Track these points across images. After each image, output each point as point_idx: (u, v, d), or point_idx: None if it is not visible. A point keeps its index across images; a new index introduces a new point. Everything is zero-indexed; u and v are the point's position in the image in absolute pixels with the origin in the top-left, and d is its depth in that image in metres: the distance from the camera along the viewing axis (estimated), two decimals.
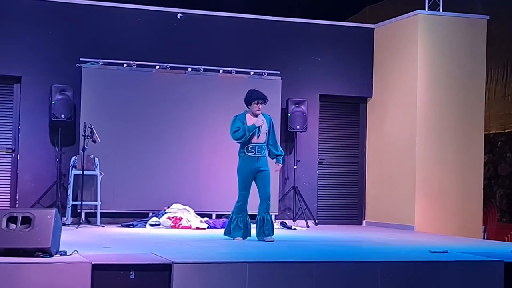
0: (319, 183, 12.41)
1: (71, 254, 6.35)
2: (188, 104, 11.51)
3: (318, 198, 12.36)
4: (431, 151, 11.49)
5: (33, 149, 11.09)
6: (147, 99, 11.36)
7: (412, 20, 11.69)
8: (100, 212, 10.74)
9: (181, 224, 10.51)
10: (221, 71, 11.71)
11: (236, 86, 11.65)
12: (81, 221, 10.56)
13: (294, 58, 12.24)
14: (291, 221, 11.76)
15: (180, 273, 6.14)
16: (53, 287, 5.84)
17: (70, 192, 10.73)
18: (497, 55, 13.45)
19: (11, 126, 11.19)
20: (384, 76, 12.33)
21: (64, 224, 9.29)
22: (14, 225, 6.17)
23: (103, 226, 10.52)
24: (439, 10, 11.77)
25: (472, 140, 11.66)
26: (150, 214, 10.94)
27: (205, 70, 11.61)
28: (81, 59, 11.12)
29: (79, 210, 10.69)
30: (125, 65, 11.28)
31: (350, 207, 12.63)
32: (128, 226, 10.60)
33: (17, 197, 11.02)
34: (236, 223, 8.74)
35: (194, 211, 10.95)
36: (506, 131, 13.83)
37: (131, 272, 6.03)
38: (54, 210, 6.32)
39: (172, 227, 10.47)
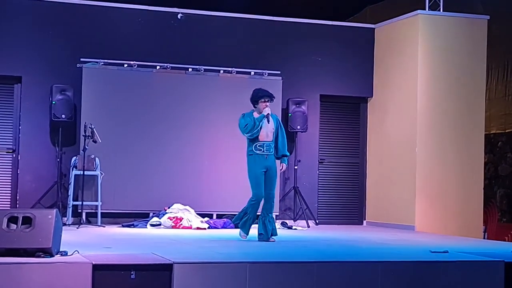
0: (319, 183, 12.41)
1: (71, 254, 6.35)
2: (189, 104, 11.52)
3: (319, 198, 12.36)
4: (431, 151, 11.49)
5: (33, 149, 11.10)
6: (148, 99, 11.36)
7: (412, 20, 11.69)
8: (101, 212, 10.74)
9: (181, 224, 10.52)
10: (221, 71, 11.71)
11: (237, 86, 11.66)
12: (81, 221, 10.57)
13: (295, 58, 12.24)
14: (292, 221, 11.77)
15: (181, 273, 6.15)
16: (54, 287, 5.85)
17: (70, 192, 10.73)
18: (498, 55, 13.45)
19: (11, 126, 11.20)
20: (384, 76, 12.33)
21: (64, 224, 9.30)
22: (15, 225, 6.17)
23: (104, 226, 10.52)
24: (439, 10, 11.77)
25: (472, 140, 11.66)
26: (151, 214, 10.94)
27: (205, 70, 11.62)
28: (81, 59, 11.13)
29: (79, 210, 10.70)
30: (125, 65, 11.28)
31: (350, 207, 12.63)
32: (128, 226, 10.61)
33: (17, 197, 11.02)
34: (247, 218, 8.74)
35: (195, 211, 10.95)
36: (507, 131, 13.84)
37: (132, 272, 6.04)
38: (54, 210, 6.32)
39: (172, 227, 10.47)
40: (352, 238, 9.73)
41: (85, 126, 10.49)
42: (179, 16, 11.74)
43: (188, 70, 11.57)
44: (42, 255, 6.07)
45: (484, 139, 11.90)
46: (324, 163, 12.51)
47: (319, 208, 12.32)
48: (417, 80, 11.51)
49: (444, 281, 6.80)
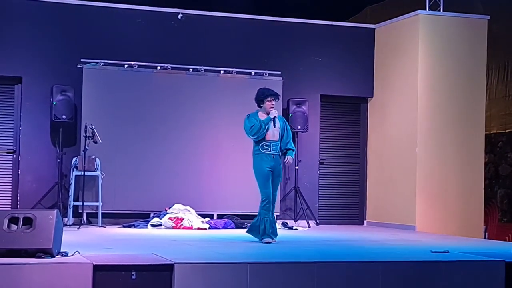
0: (320, 183, 12.41)
1: (72, 255, 6.35)
2: (189, 104, 11.52)
3: (319, 198, 12.36)
4: (432, 151, 11.49)
5: (34, 149, 11.10)
6: (148, 100, 11.37)
7: (413, 20, 11.69)
8: (102, 213, 10.74)
9: (182, 224, 10.52)
10: (222, 72, 11.71)
11: (237, 86, 11.67)
12: (82, 222, 10.57)
13: (295, 59, 12.24)
14: (292, 221, 11.77)
15: (182, 273, 6.15)
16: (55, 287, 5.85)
17: (71, 192, 10.73)
18: (498, 55, 13.45)
19: (12, 127, 11.20)
20: (385, 76, 12.33)
21: (65, 225, 9.29)
22: (16, 226, 6.17)
23: (105, 227, 10.52)
24: (439, 10, 11.77)
25: (473, 140, 11.66)
26: (152, 215, 10.94)
27: (206, 70, 11.62)
28: (82, 60, 11.13)
29: (80, 211, 10.70)
30: (126, 66, 11.29)
31: (351, 207, 12.64)
32: (129, 226, 10.61)
33: (18, 198, 11.02)
34: (264, 224, 8.48)
35: (196, 211, 10.95)
36: (507, 131, 13.84)
37: (133, 273, 6.04)
38: (55, 211, 6.33)
39: (173, 227, 10.48)
40: (353, 238, 9.73)
41: (85, 127, 10.50)
42: (179, 16, 11.74)
43: (188, 70, 11.57)
44: (42, 256, 6.08)
45: (485, 139, 11.89)
46: (324, 163, 12.51)
47: (319, 208, 12.32)
48: (417, 80, 11.51)
49: (444, 281, 6.80)
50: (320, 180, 12.41)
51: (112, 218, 11.02)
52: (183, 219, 10.58)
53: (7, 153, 11.18)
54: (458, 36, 11.68)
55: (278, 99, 8.80)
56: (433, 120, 11.52)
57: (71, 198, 10.69)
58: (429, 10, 11.73)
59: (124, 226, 10.65)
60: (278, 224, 10.99)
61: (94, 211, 10.84)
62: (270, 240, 8.43)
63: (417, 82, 11.51)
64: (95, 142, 10.44)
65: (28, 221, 6.20)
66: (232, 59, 11.84)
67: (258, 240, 8.58)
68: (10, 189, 11.12)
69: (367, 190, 12.61)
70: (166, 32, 11.71)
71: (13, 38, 11.03)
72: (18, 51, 11.06)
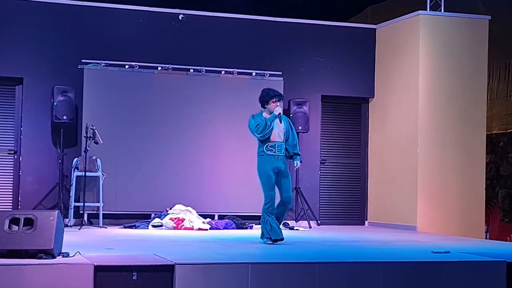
0: (321, 183, 12.41)
1: (73, 256, 6.35)
2: (190, 105, 11.52)
3: (320, 198, 12.36)
4: (433, 152, 11.48)
5: (35, 150, 11.10)
6: (149, 100, 11.36)
7: (414, 21, 11.68)
8: (103, 214, 10.74)
9: (183, 225, 10.51)
10: (223, 72, 11.71)
11: (238, 87, 11.67)
12: (83, 223, 10.57)
13: (296, 59, 12.24)
14: (293, 221, 11.76)
15: (183, 274, 6.15)
16: None
17: (72, 193, 10.73)
18: (499, 55, 13.45)
19: (13, 128, 11.20)
20: (386, 76, 12.32)
21: (66, 226, 9.29)
22: (17, 227, 6.17)
23: (106, 228, 10.52)
24: (440, 10, 11.76)
25: (474, 140, 11.65)
26: (153, 215, 10.94)
27: (207, 71, 11.62)
28: (83, 61, 11.13)
29: (81, 212, 10.70)
30: (127, 66, 11.29)
31: (352, 208, 12.63)
32: (130, 227, 10.61)
33: (19, 199, 11.02)
34: (270, 225, 8.39)
35: (197, 212, 10.95)
36: (508, 131, 13.83)
37: (134, 273, 6.04)
38: (56, 212, 6.32)
39: (174, 228, 10.47)
40: (354, 238, 9.72)
41: (86, 127, 10.50)
42: (180, 17, 11.74)
43: (189, 71, 11.57)
44: (43, 257, 6.07)
45: (486, 139, 11.89)
46: (325, 164, 12.50)
47: (320, 208, 12.31)
48: (418, 80, 11.50)
49: (446, 282, 6.79)
50: (321, 181, 12.40)
51: (113, 219, 11.02)
52: (184, 219, 10.57)
53: (8, 153, 11.18)
54: (459, 36, 11.67)
55: (283, 99, 8.74)
56: (434, 120, 11.51)
57: (72, 198, 10.69)
58: (430, 10, 11.73)
59: (125, 227, 10.65)
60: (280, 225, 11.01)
61: (95, 212, 10.84)
62: (270, 242, 8.37)
63: (418, 83, 11.50)
64: (96, 142, 10.44)
65: (29, 222, 6.19)
66: (233, 59, 11.83)
67: (258, 238, 8.59)
68: (11, 190, 11.12)
69: (368, 191, 12.61)
70: (167, 32, 11.71)
71: (14, 39, 11.03)
72: (19, 52, 11.06)
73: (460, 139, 11.59)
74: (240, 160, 11.57)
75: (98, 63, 11.17)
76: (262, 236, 8.49)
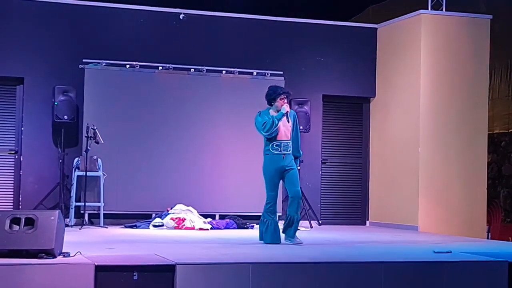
0: (322, 183, 12.40)
1: (74, 255, 6.34)
2: (191, 104, 11.51)
3: (322, 198, 12.35)
4: (434, 151, 11.47)
5: (36, 150, 11.10)
6: (150, 100, 11.36)
7: (415, 20, 11.67)
8: (103, 213, 10.74)
9: (184, 225, 10.51)
10: (224, 72, 11.70)
11: (239, 86, 11.67)
12: (84, 222, 10.57)
13: (297, 59, 12.23)
14: None
15: (183, 274, 6.14)
16: None
17: (73, 193, 10.73)
18: (501, 54, 13.43)
19: (14, 128, 11.20)
20: (387, 76, 12.31)
21: (67, 225, 9.28)
22: (18, 227, 6.16)
23: (106, 227, 10.52)
24: (442, 9, 11.75)
25: (475, 140, 11.64)
26: (153, 215, 10.93)
27: (208, 70, 11.61)
28: (83, 60, 11.13)
29: (82, 211, 10.70)
30: (127, 66, 11.28)
31: (353, 208, 12.62)
32: (131, 227, 10.60)
33: (20, 199, 11.02)
34: (267, 226, 8.33)
35: (198, 212, 10.95)
36: (510, 130, 13.81)
37: (135, 273, 6.03)
38: (57, 212, 6.31)
39: (175, 228, 10.47)
40: (355, 238, 9.71)
41: (87, 127, 10.50)
42: (181, 16, 11.73)
43: (190, 70, 11.56)
44: (44, 256, 6.06)
45: (487, 139, 11.88)
46: (326, 164, 12.49)
47: (322, 208, 12.30)
48: (420, 79, 11.49)
49: (447, 282, 6.78)
50: (322, 181, 12.40)
51: (114, 219, 11.01)
52: (185, 219, 10.57)
53: (9, 153, 11.17)
54: (460, 36, 11.66)
55: (290, 96, 8.67)
56: (435, 120, 11.50)
57: (73, 198, 10.68)
58: (431, 9, 11.71)
59: (126, 227, 10.64)
60: (280, 225, 10.99)
61: (96, 212, 10.83)
62: (273, 243, 8.30)
63: (419, 82, 11.49)
64: (97, 142, 10.44)
65: (30, 222, 6.19)
66: (234, 59, 11.83)
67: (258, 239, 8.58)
68: (12, 190, 11.12)
69: (370, 190, 12.60)
70: (168, 32, 11.70)
71: (14, 39, 11.02)
72: (19, 51, 11.05)
73: (462, 138, 11.57)
74: (241, 160, 11.56)
75: (99, 63, 11.16)
76: (262, 237, 8.48)
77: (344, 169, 12.63)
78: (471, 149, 11.60)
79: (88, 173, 10.58)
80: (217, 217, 11.33)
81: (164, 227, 10.52)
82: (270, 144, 8.38)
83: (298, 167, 8.79)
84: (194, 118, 11.51)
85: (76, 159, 10.85)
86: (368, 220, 12.55)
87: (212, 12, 11.93)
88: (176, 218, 10.57)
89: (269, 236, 8.36)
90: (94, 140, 10.42)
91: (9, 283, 5.74)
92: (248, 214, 11.34)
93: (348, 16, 15.75)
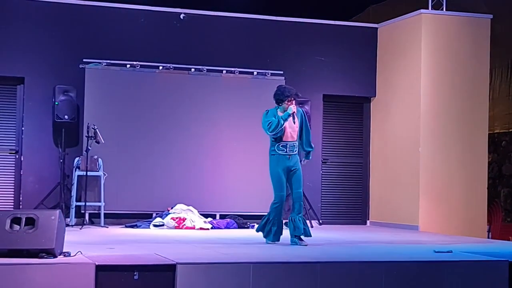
0: (323, 183, 12.39)
1: (75, 255, 6.34)
2: (192, 104, 11.51)
3: (322, 198, 12.35)
4: (435, 151, 11.47)
5: (36, 150, 11.10)
6: (150, 100, 11.36)
7: (415, 20, 11.67)
8: (104, 213, 10.74)
9: (185, 224, 10.51)
10: (224, 72, 11.70)
11: (240, 86, 11.66)
12: (84, 222, 10.57)
13: (298, 58, 12.22)
14: None
15: (184, 273, 6.14)
16: None
17: (73, 193, 10.73)
18: (501, 54, 13.42)
19: (14, 127, 11.20)
20: (387, 75, 12.31)
21: (67, 225, 9.30)
22: (18, 226, 6.17)
23: (107, 227, 10.52)
24: (442, 9, 11.75)
25: (476, 140, 11.64)
26: (154, 215, 10.93)
27: (208, 70, 11.61)
28: (84, 60, 11.13)
29: (82, 211, 10.70)
30: (128, 66, 11.28)
31: (354, 207, 12.62)
32: (132, 226, 10.60)
33: (20, 198, 11.02)
34: (271, 225, 8.31)
35: (198, 211, 10.95)
36: (510, 130, 13.81)
37: (135, 273, 6.03)
38: (57, 211, 6.32)
39: (176, 227, 10.47)
40: (356, 238, 9.71)
41: (88, 127, 10.50)
42: (181, 16, 11.73)
43: (190, 70, 11.56)
44: (45, 256, 6.07)
45: (488, 138, 11.87)
46: (327, 163, 12.49)
47: (322, 208, 12.30)
48: (420, 79, 11.49)
49: (448, 281, 6.78)
50: (322, 180, 12.39)
51: (115, 218, 11.02)
52: (185, 219, 10.57)
53: (10, 153, 11.17)
54: (461, 36, 11.66)
55: (299, 97, 8.58)
56: (436, 119, 11.50)
57: (74, 198, 10.69)
58: (431, 9, 11.71)
59: (126, 226, 10.64)
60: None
61: (96, 211, 10.84)
62: (272, 243, 8.31)
63: (420, 82, 11.49)
64: (98, 142, 10.44)
65: (30, 222, 6.19)
66: (234, 59, 11.83)
67: (262, 239, 8.57)
68: (13, 190, 11.12)
69: (370, 190, 12.60)
70: (168, 32, 11.70)
71: (15, 39, 11.02)
72: (20, 51, 11.05)
73: (462, 138, 11.57)
74: (242, 160, 11.56)
75: (100, 63, 11.16)
76: (260, 229, 8.47)
77: (345, 169, 12.63)
78: (472, 149, 11.60)
79: (89, 173, 10.58)
80: (217, 217, 11.33)
81: (165, 226, 10.53)
82: (276, 145, 8.35)
83: (304, 162, 8.72)
84: (195, 118, 11.51)
85: (77, 158, 10.85)
86: (368, 219, 12.55)
87: (213, 12, 11.93)
88: (176, 218, 10.57)
89: (273, 235, 8.34)
90: (95, 140, 10.42)
91: (9, 283, 5.74)
92: (249, 213, 11.35)
93: (348, 16, 15.74)
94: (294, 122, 8.37)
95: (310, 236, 8.33)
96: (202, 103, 11.55)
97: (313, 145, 8.67)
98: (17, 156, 11.15)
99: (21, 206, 10.91)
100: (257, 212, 11.31)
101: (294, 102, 8.42)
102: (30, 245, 6.08)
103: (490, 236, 12.20)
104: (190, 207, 10.92)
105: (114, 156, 11.03)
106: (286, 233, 8.51)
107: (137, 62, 11.29)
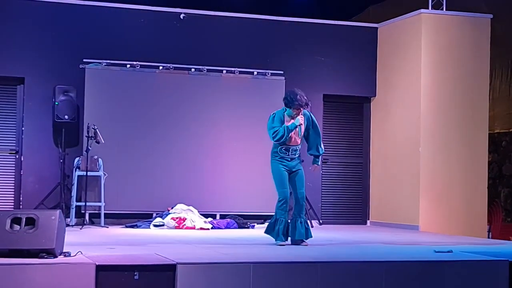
0: (323, 183, 12.39)
1: (75, 255, 6.34)
2: (192, 104, 11.51)
3: (322, 198, 12.35)
4: (435, 151, 11.47)
5: (36, 150, 11.10)
6: (151, 100, 11.36)
7: (415, 20, 11.67)
8: (104, 213, 10.74)
9: (185, 224, 10.51)
10: (224, 71, 11.70)
11: (240, 86, 11.66)
12: (85, 222, 10.57)
13: (298, 58, 12.22)
14: None
15: (184, 273, 6.14)
16: None
17: (74, 193, 10.73)
18: (501, 54, 13.41)
19: (14, 127, 11.20)
20: (387, 75, 12.31)
21: (68, 225, 9.30)
22: (18, 226, 6.16)
23: (107, 227, 10.52)
24: (442, 9, 11.75)
25: (476, 140, 11.64)
26: (154, 215, 10.93)
27: (208, 70, 11.61)
28: (84, 60, 11.13)
29: (83, 211, 10.70)
30: (128, 66, 11.28)
31: (354, 207, 12.62)
32: (132, 226, 10.60)
33: (21, 198, 11.02)
34: (279, 225, 8.22)
35: (198, 211, 10.94)
36: (510, 130, 13.80)
37: (135, 273, 6.03)
38: (58, 211, 6.31)
39: (176, 227, 10.46)
40: (356, 238, 9.71)
41: (88, 127, 10.50)
42: (181, 16, 11.73)
43: (191, 70, 11.56)
44: (45, 256, 6.06)
45: (488, 138, 11.87)
46: (327, 163, 12.49)
47: (322, 208, 12.30)
48: (420, 79, 11.49)
49: (448, 281, 6.78)
50: (323, 180, 12.39)
51: (115, 219, 11.02)
52: (185, 219, 10.57)
53: (10, 153, 11.17)
54: (461, 35, 11.66)
55: (309, 106, 8.45)
56: (436, 119, 11.50)
57: (74, 198, 10.69)
58: (431, 9, 11.71)
59: (126, 226, 10.64)
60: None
61: (96, 212, 10.84)
62: (283, 243, 8.22)
63: (420, 82, 11.49)
64: (98, 142, 10.44)
65: (30, 222, 6.19)
66: (234, 59, 11.82)
67: (261, 239, 8.55)
68: (13, 190, 11.12)
69: (370, 190, 12.59)
70: (168, 32, 11.70)
71: (15, 39, 11.03)
72: (20, 51, 11.05)
73: (463, 138, 11.57)
74: (242, 160, 11.56)
75: (100, 63, 11.16)
76: (268, 231, 8.35)
77: (345, 169, 12.63)
78: (472, 149, 11.60)
79: (89, 173, 10.58)
80: (217, 217, 11.33)
81: (165, 226, 10.52)
82: (279, 148, 8.32)
83: (312, 170, 8.66)
84: (195, 118, 11.51)
85: (77, 158, 10.85)
86: (368, 219, 12.55)
87: (213, 12, 11.93)
88: (176, 218, 10.57)
89: (282, 235, 8.27)
90: (95, 140, 10.42)
91: (9, 283, 5.74)
92: (249, 213, 11.35)
93: (348, 15, 15.73)
94: (300, 132, 8.30)
95: (311, 236, 8.34)
96: (202, 103, 11.55)
97: (323, 149, 8.58)
98: (17, 156, 11.15)
99: (21, 206, 10.91)
100: (258, 212, 11.33)
101: (302, 111, 8.25)
102: (30, 245, 6.08)
103: (490, 236, 12.20)
104: (190, 207, 10.91)
105: (114, 156, 11.03)
106: None
107: (137, 62, 11.29)
